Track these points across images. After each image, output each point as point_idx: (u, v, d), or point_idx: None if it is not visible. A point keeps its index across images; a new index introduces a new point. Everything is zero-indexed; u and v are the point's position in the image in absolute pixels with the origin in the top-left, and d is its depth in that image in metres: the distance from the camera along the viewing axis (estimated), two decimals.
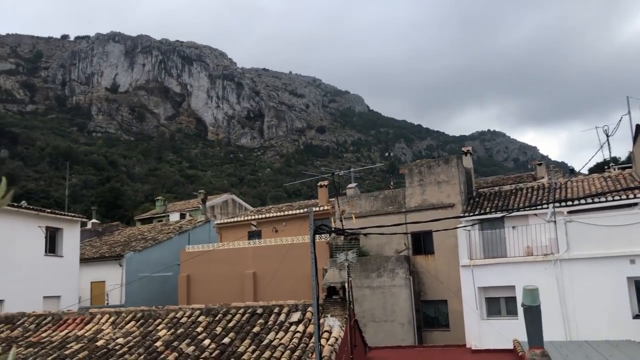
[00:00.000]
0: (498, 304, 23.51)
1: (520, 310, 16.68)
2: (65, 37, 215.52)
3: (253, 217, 34.88)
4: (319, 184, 34.45)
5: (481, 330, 22.67)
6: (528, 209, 23.21)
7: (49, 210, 28.88)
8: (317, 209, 31.12)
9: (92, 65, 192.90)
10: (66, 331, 15.59)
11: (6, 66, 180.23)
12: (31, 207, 27.92)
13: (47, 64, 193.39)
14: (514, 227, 23.48)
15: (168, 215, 52.99)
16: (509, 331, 19.69)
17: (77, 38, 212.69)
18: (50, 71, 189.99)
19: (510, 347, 18.50)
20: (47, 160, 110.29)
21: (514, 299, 22.08)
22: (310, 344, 12.83)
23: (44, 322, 16.45)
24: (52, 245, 27.96)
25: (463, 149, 29.95)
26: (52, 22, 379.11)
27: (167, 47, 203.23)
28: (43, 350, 14.21)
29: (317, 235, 13.57)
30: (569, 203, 22.80)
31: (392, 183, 34.60)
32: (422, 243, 27.23)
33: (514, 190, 27.18)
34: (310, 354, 12.33)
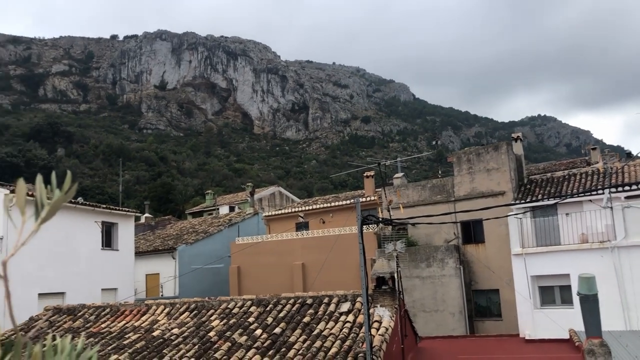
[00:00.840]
0: (552, 293, 22.93)
1: (575, 299, 16.21)
2: (114, 37, 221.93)
3: (300, 209, 35.12)
4: (365, 175, 34.35)
5: (535, 320, 22.18)
6: (582, 195, 22.49)
7: (104, 206, 29.88)
8: (364, 199, 31.05)
9: (140, 64, 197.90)
10: (124, 322, 16.14)
11: (60, 68, 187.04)
12: (87, 203, 28.95)
13: (98, 64, 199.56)
14: (567, 214, 22.80)
15: (218, 209, 53.98)
16: (564, 321, 19.18)
17: (126, 37, 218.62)
18: (101, 71, 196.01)
19: (566, 337, 18.03)
20: (101, 158, 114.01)
21: (568, 287, 21.49)
22: (361, 334, 12.86)
23: (103, 313, 17.08)
24: (108, 239, 28.93)
25: (513, 135, 29.24)
26: (102, 23, 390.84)
27: (212, 43, 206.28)
28: (103, 340, 14.77)
29: (364, 226, 13.55)
30: (627, 188, 21.95)
31: (440, 172, 34.16)
32: (472, 232, 26.81)
33: (567, 176, 26.37)
34: (360, 344, 12.36)
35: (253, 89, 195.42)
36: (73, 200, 27.77)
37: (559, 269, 22.21)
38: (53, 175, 1.38)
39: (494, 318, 25.89)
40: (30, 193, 24.97)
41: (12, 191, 23.34)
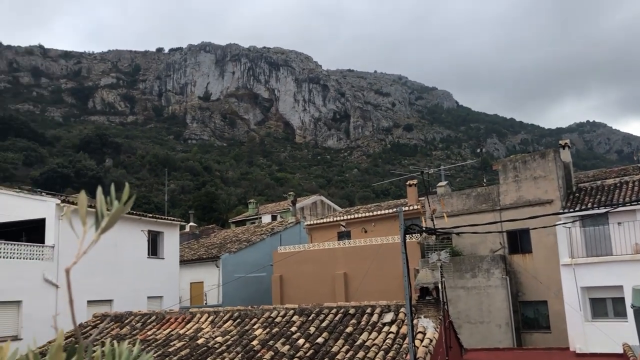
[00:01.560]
0: (604, 305, 22.10)
1: (630, 311, 15.56)
2: (160, 50, 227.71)
3: (342, 218, 35.03)
4: (407, 183, 34.01)
5: (586, 333, 21.41)
6: (636, 203, 21.63)
7: (150, 215, 30.52)
8: (407, 208, 30.73)
9: (185, 76, 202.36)
10: (169, 329, 16.39)
11: (108, 80, 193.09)
12: (134, 212, 29.64)
13: (145, 77, 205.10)
14: (619, 223, 21.98)
15: (260, 217, 54.41)
16: (618, 334, 18.44)
17: (171, 50, 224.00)
18: (147, 83, 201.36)
19: (620, 351, 17.31)
20: (147, 168, 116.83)
21: (622, 299, 20.66)
22: (404, 345, 12.67)
23: (149, 320, 17.39)
24: (154, 247, 29.52)
25: (560, 142, 28.43)
26: (149, 37, 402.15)
27: (255, 54, 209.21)
28: (149, 348, 15.01)
29: (407, 235, 13.38)
30: None
31: (484, 180, 33.49)
32: (518, 242, 26.15)
33: (618, 184, 25.44)
34: (404, 355, 12.17)
35: (295, 98, 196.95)
36: None
37: (611, 281, 21.40)
38: (112, 187, 1.43)
39: (543, 330, 25.11)
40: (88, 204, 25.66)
41: (64, 201, 24.12)
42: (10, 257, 21.43)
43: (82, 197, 1.32)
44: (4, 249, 21.44)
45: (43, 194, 26.85)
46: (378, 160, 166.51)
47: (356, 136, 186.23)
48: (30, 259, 22.12)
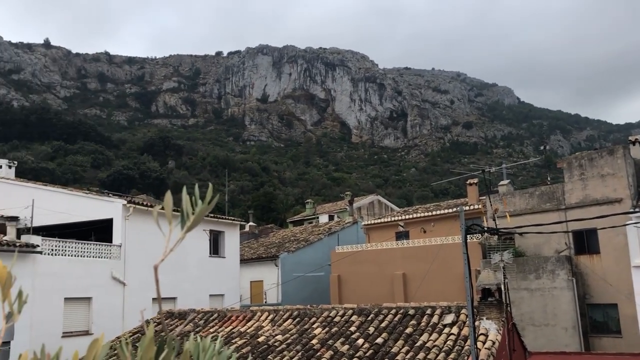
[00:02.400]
0: None
1: None
2: (219, 53, 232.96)
3: (400, 218, 34.72)
4: (468, 182, 33.33)
5: None
6: None
7: (212, 215, 31.23)
8: (468, 208, 30.12)
9: (243, 78, 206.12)
10: (230, 327, 16.73)
11: (170, 85, 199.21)
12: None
13: (205, 80, 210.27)
14: None
15: (317, 217, 54.70)
16: None
17: (230, 53, 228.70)
18: (207, 86, 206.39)
19: None
20: (208, 169, 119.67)
21: None
22: (466, 347, 12.43)
23: (211, 318, 17.81)
24: (215, 247, 30.23)
25: (630, 138, 27.12)
26: (208, 41, 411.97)
27: (311, 55, 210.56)
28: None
29: (468, 236, 13.12)
30: None
31: (548, 178, 32.36)
32: (585, 242, 25.13)
33: None
34: (466, 358, 11.95)
35: (351, 98, 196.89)
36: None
37: None
38: (196, 188, 1.49)
39: (613, 335, 24.03)
40: (145, 203, 26.43)
41: (130, 202, 25.05)
42: (82, 256, 22.44)
43: (168, 197, 1.39)
44: (76, 247, 22.48)
45: (110, 195, 28.00)
46: (436, 159, 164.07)
47: (414, 135, 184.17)
48: (99, 257, 23.09)
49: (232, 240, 31.34)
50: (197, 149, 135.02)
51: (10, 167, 30.51)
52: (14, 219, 22.61)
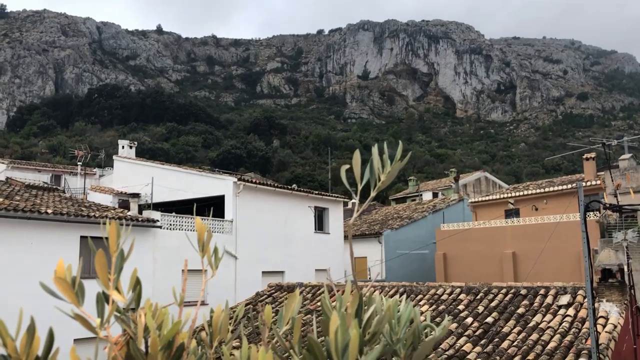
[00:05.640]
0: None
1: None
2: (320, 32, 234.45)
3: (510, 195, 33.39)
4: (584, 157, 31.29)
5: None
6: None
7: (316, 192, 31.84)
8: (585, 184, 28.30)
9: (344, 56, 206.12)
10: None
11: (274, 65, 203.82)
12: (302, 189, 31.12)
13: (306, 59, 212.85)
14: None
15: (421, 195, 53.99)
16: None
17: (331, 31, 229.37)
18: (309, 65, 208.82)
19: None
20: (311, 147, 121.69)
21: None
22: (584, 330, 11.81)
23: (318, 292, 18.24)
24: (320, 223, 30.82)
25: None
26: (311, 20, 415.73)
27: (413, 29, 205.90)
28: (319, 317, 15.75)
29: (586, 213, 12.33)
30: None
31: None
32: None
33: None
34: (583, 340, 11.35)
35: (455, 71, 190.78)
36: (289, 187, 30.12)
37: None
38: (376, 149, 1.46)
39: None
40: (254, 180, 27.31)
41: (240, 179, 26.12)
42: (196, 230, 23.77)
43: (357, 156, 1.46)
44: (192, 222, 23.86)
45: (221, 173, 29.36)
46: (548, 133, 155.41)
47: (523, 108, 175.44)
48: (213, 232, 24.33)
49: (336, 216, 31.78)
50: (299, 128, 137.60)
51: (131, 147, 32.88)
52: (136, 195, 24.39)
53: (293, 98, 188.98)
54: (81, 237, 19.79)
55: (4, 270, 17.68)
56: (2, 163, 39.24)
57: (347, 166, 1.37)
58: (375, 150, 1.37)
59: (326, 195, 31.81)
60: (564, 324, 12.37)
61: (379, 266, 33.51)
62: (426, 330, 1.53)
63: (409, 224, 36.59)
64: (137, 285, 1.29)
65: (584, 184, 28.38)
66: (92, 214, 20.26)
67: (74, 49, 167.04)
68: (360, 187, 1.36)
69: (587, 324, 12.00)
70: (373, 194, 1.32)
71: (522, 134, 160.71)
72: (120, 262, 1.23)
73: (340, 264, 31.35)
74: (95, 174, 38.67)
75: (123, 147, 32.88)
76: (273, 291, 19.40)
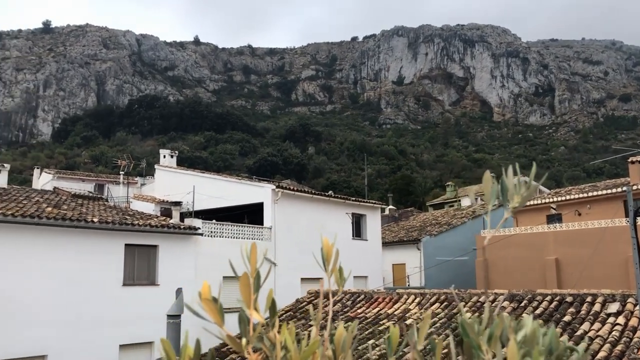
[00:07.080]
0: None
1: None
2: (354, 39, 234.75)
3: (551, 200, 32.67)
4: (630, 160, 30.40)
5: None
6: None
7: (353, 199, 31.81)
8: (634, 188, 27.48)
9: (379, 62, 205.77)
10: (377, 309, 16.98)
11: (308, 73, 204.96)
12: (338, 195, 31.14)
13: (341, 66, 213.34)
14: None
15: (459, 200, 53.33)
16: None
17: (365, 38, 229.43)
18: (343, 72, 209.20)
19: None
20: (346, 154, 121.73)
21: None
22: (635, 339, 11.46)
23: (358, 299, 18.21)
24: (357, 229, 30.75)
25: None
26: (345, 27, 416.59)
27: (448, 33, 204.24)
28: (360, 325, 15.75)
29: (636, 218, 11.99)
30: None
31: None
32: None
33: None
34: (635, 350, 11.02)
35: (492, 75, 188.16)
36: (326, 194, 30.19)
37: None
38: (511, 170, 1.42)
39: None
40: (292, 187, 27.43)
41: (278, 186, 26.32)
42: (236, 237, 24.06)
43: (487, 176, 1.41)
44: (231, 230, 24.15)
45: (258, 180, 29.64)
46: (588, 136, 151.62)
47: (562, 111, 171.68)
48: (252, 239, 24.58)
49: (373, 223, 31.66)
50: (334, 135, 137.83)
51: (172, 156, 33.51)
52: (178, 203, 24.85)
53: (328, 105, 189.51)
54: (126, 245, 20.25)
55: (54, 277, 18.23)
56: (49, 173, 40.51)
57: (476, 187, 1.38)
58: (510, 170, 1.34)
59: (363, 202, 31.74)
60: (613, 333, 12.03)
61: (417, 273, 33.22)
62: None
63: (448, 230, 36.19)
64: (273, 305, 1.33)
65: (633, 188, 27.54)
66: (136, 222, 20.71)
67: (115, 61, 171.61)
68: (490, 208, 1.32)
69: (638, 334, 11.65)
70: (507, 214, 1.29)
71: (562, 137, 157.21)
72: (257, 282, 1.28)
73: (379, 271, 31.19)
74: (137, 182, 39.55)
75: (165, 156, 33.54)
76: (313, 298, 19.44)
